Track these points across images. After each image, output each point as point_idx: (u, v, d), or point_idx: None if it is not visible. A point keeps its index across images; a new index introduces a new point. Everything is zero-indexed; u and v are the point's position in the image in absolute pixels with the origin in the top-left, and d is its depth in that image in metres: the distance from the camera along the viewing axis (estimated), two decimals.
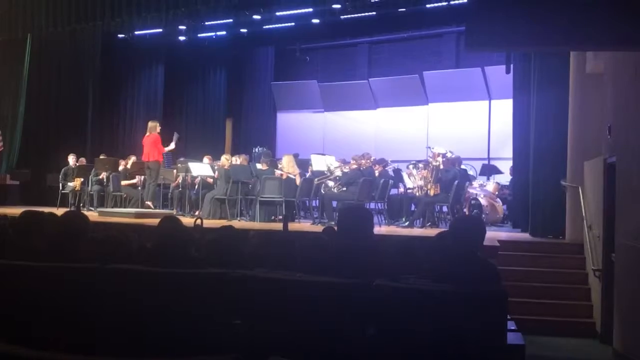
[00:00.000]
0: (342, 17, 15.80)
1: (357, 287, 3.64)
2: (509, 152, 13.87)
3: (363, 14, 15.95)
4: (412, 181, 13.63)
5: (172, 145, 14.32)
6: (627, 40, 5.84)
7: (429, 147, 13.47)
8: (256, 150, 17.38)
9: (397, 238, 9.25)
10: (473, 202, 13.76)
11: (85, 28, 15.13)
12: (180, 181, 14.44)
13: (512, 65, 11.54)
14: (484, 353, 3.51)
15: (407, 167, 14.27)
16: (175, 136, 14.39)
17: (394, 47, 19.98)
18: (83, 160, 15.63)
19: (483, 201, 13.80)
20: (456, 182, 11.95)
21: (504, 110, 15.74)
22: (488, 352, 3.53)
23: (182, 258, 4.17)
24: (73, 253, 4.30)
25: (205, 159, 14.55)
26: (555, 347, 7.86)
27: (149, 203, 13.59)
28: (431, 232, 11.04)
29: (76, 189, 14.80)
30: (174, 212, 13.46)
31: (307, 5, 15.61)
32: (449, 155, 12.64)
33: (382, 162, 13.46)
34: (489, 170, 16.11)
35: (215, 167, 13.83)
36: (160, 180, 14.13)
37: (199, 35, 17.93)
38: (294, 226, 11.08)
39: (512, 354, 3.93)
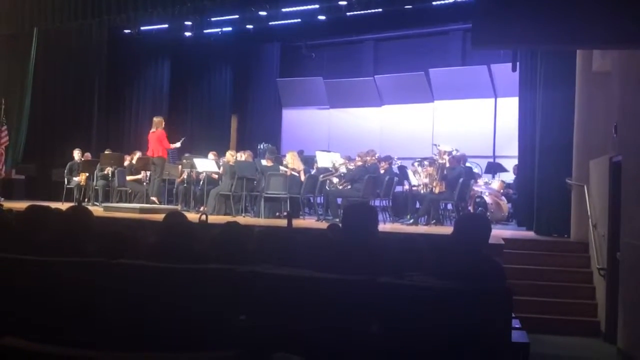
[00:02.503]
0: (348, 13, 15.79)
1: (362, 284, 3.64)
2: (514, 150, 13.84)
3: (369, 11, 15.93)
4: (417, 178, 13.62)
5: (178, 144, 14.36)
6: (634, 39, 5.82)
7: (436, 145, 13.45)
8: (261, 146, 17.40)
9: (402, 235, 9.24)
10: (478, 200, 13.74)
11: (91, 23, 15.18)
12: (185, 177, 14.47)
13: (518, 63, 11.51)
14: (489, 351, 3.51)
15: (412, 165, 14.27)
16: (182, 140, 14.49)
17: (400, 44, 19.96)
18: (88, 155, 15.67)
19: (488, 199, 13.78)
20: (461, 179, 11.93)
21: (509, 108, 15.70)
22: (492, 350, 3.52)
23: (186, 253, 4.18)
24: (78, 248, 4.31)
25: (210, 155, 14.56)
26: (559, 346, 7.85)
27: (154, 198, 13.61)
28: (436, 229, 11.05)
29: (81, 183, 14.83)
30: (179, 207, 13.49)
31: (313, 2, 15.62)
32: (454, 153, 12.62)
33: (387, 159, 13.46)
34: (494, 168, 16.09)
35: (220, 163, 13.84)
36: (165, 175, 14.16)
37: (204, 31, 17.94)
38: (298, 222, 11.08)
39: (517, 352, 3.92)
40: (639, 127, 7.21)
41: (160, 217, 5.52)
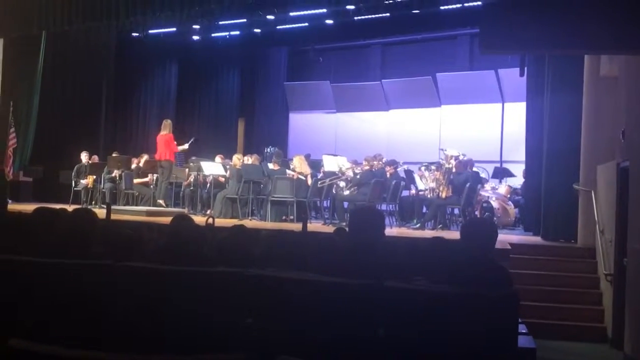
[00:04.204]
0: (355, 18, 15.79)
1: (368, 288, 3.64)
2: (521, 155, 13.81)
3: (376, 15, 15.92)
4: (424, 183, 13.61)
5: (186, 146, 14.39)
6: None
7: (443, 149, 13.45)
8: (268, 150, 17.41)
9: (408, 240, 9.22)
10: (485, 204, 13.71)
11: (99, 26, 15.19)
12: (192, 180, 14.49)
13: (526, 68, 11.50)
14: (495, 356, 3.50)
15: (419, 169, 14.25)
16: (192, 140, 14.52)
17: (407, 48, 19.94)
18: (96, 157, 15.70)
19: (495, 204, 13.75)
20: (468, 184, 11.92)
21: (517, 113, 15.68)
22: (499, 355, 3.52)
23: (193, 256, 4.18)
24: (85, 250, 4.32)
25: (217, 158, 14.59)
26: (566, 351, 7.83)
27: (161, 201, 13.63)
28: (442, 234, 11.02)
29: (89, 186, 14.87)
30: (186, 210, 13.50)
31: (320, 6, 15.60)
32: (461, 157, 12.61)
33: (394, 164, 13.44)
34: (501, 173, 16.06)
35: (227, 167, 13.86)
36: (172, 178, 14.18)
37: (212, 34, 17.97)
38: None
39: (523, 357, 3.92)
40: None
41: (167, 220, 5.53)
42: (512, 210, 14.17)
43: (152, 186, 14.63)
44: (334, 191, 12.97)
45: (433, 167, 13.28)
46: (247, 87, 21.58)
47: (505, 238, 10.40)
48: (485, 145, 17.23)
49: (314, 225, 11.94)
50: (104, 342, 3.50)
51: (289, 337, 3.54)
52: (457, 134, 17.73)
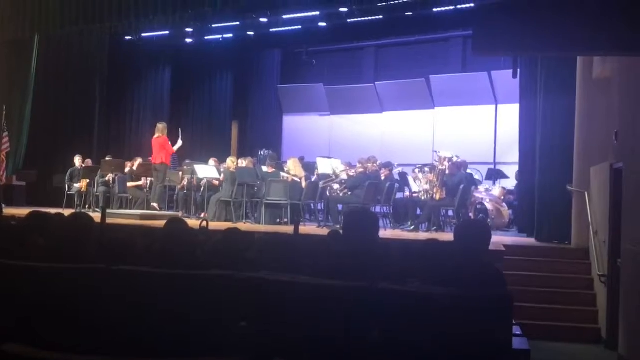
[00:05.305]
0: (349, 20, 15.81)
1: (362, 291, 3.64)
2: (515, 156, 13.85)
3: (370, 18, 15.93)
4: (418, 185, 13.61)
5: (180, 142, 14.31)
6: (635, 46, 5.83)
7: (436, 151, 13.46)
8: (262, 152, 17.41)
9: (402, 242, 9.22)
10: (479, 206, 13.72)
11: (92, 29, 15.17)
12: (185, 183, 14.46)
13: (519, 70, 11.52)
14: (490, 358, 3.50)
15: (413, 171, 14.26)
16: (180, 132, 14.43)
17: (401, 50, 19.99)
18: (89, 161, 15.65)
19: (489, 206, 13.76)
20: (462, 186, 11.93)
21: (510, 114, 15.71)
22: (493, 356, 3.52)
23: (187, 260, 4.18)
24: (79, 254, 4.30)
25: (211, 161, 14.56)
26: (560, 353, 7.84)
27: (155, 205, 13.60)
28: (436, 236, 11.03)
29: (82, 190, 14.83)
30: (180, 214, 13.47)
31: (314, 9, 15.61)
32: (455, 159, 12.62)
33: (388, 166, 13.45)
34: (495, 174, 16.09)
35: (221, 170, 13.84)
36: (166, 182, 14.15)
37: (205, 37, 17.96)
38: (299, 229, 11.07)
39: (518, 358, 3.92)
40: (639, 134, 7.21)
41: (161, 223, 5.52)
42: (506, 211, 14.18)
43: (145, 189, 14.60)
44: (328, 194, 12.97)
45: (427, 169, 13.29)
46: (241, 90, 21.55)
47: (499, 240, 10.41)
48: (479, 147, 17.27)
49: (308, 228, 11.94)
50: (98, 347, 3.48)
51: (282, 340, 3.53)
52: (450, 135, 17.78)
